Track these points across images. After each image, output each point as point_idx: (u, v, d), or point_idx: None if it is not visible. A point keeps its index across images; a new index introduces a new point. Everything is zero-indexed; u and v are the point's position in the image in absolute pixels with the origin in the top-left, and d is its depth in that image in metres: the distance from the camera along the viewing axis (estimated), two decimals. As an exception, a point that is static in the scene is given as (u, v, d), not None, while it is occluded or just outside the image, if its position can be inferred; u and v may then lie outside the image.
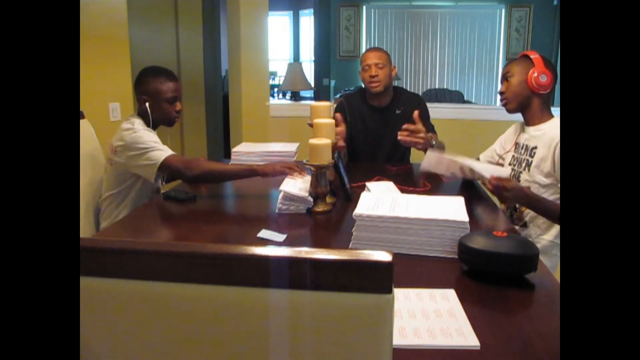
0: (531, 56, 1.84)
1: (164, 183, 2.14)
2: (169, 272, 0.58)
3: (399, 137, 2.11)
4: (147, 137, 1.90)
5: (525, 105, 1.86)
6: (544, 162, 1.77)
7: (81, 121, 2.14)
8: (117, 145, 1.92)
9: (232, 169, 1.99)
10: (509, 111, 1.91)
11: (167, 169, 1.90)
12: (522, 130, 1.95)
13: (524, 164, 1.88)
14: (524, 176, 1.87)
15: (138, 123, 1.96)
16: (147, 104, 1.98)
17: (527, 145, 1.88)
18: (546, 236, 1.82)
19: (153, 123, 2.01)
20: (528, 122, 1.90)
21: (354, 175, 2.11)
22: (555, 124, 1.82)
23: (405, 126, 2.10)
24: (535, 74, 1.80)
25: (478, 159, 2.16)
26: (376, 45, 7.05)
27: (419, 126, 2.11)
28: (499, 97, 1.93)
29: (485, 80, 7.04)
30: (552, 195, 1.76)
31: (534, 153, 1.83)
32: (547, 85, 1.81)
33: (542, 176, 1.78)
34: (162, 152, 1.88)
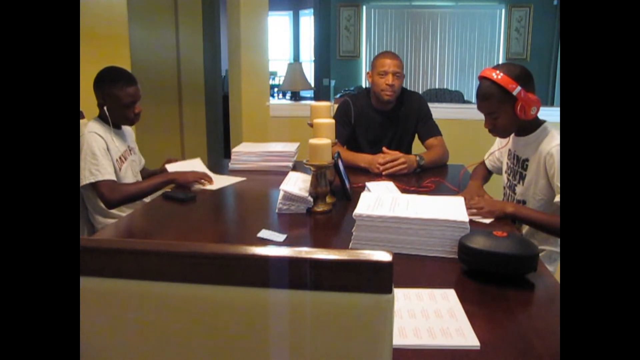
0: (513, 92, 1.64)
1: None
2: (169, 272, 0.58)
3: (383, 173, 2.23)
4: (93, 148, 1.92)
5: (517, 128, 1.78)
6: (538, 177, 1.72)
7: (81, 121, 2.14)
8: None
9: (150, 184, 1.99)
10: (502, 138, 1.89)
11: (90, 191, 1.96)
12: (513, 137, 1.86)
13: (517, 177, 1.83)
14: (518, 189, 1.82)
15: (96, 127, 1.98)
16: (105, 108, 1.99)
17: (518, 157, 1.82)
18: (547, 246, 1.81)
19: (113, 124, 2.03)
20: (517, 133, 1.82)
21: (354, 175, 2.11)
22: (543, 133, 1.73)
23: (381, 160, 2.24)
24: (526, 110, 1.65)
25: (483, 162, 2.15)
26: (376, 45, 7.11)
27: (392, 154, 2.26)
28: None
29: (485, 81, 7.03)
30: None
31: (526, 166, 1.78)
32: (537, 110, 1.68)
33: (537, 192, 1.74)
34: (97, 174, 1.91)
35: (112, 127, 2.03)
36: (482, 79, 1.73)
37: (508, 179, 1.91)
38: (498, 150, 2.03)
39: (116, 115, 2.01)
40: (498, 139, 2.04)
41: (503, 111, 1.69)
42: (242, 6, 3.78)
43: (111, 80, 1.98)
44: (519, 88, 1.64)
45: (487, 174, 2.14)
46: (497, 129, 1.75)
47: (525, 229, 1.82)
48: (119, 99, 1.97)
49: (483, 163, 2.15)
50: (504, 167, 1.95)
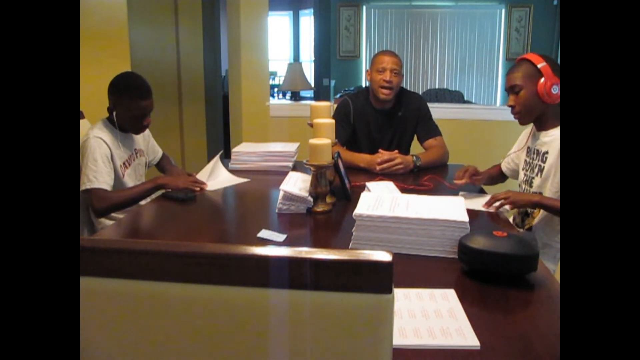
0: (538, 65, 1.73)
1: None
2: (169, 272, 0.58)
3: (379, 172, 2.25)
4: (95, 154, 1.90)
5: (538, 115, 1.81)
6: (556, 170, 1.75)
7: (81, 121, 2.14)
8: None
9: (138, 191, 1.96)
10: (523, 124, 1.87)
11: (86, 197, 1.91)
12: (534, 134, 1.89)
13: (536, 169, 1.85)
14: (536, 182, 1.84)
15: (102, 132, 1.97)
16: (114, 113, 1.99)
17: (538, 150, 1.85)
18: (550, 242, 1.81)
19: (121, 129, 2.03)
20: (539, 127, 1.85)
21: (354, 175, 2.11)
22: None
23: (379, 159, 2.26)
24: (547, 86, 1.71)
25: (499, 164, 2.15)
26: (376, 45, 7.11)
27: (389, 154, 2.28)
28: (509, 110, 1.83)
29: (485, 80, 7.03)
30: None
31: (546, 158, 1.80)
32: (559, 94, 1.72)
33: (555, 185, 1.76)
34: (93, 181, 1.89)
35: (119, 132, 2.02)
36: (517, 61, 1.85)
37: (525, 174, 1.93)
38: (515, 152, 2.04)
39: (124, 123, 2.01)
40: (516, 146, 2.05)
41: (526, 85, 1.75)
42: (242, 6, 3.78)
43: (126, 90, 1.97)
44: (544, 63, 1.73)
45: (495, 174, 2.14)
46: (519, 104, 1.79)
47: (535, 221, 1.84)
48: (130, 110, 1.96)
49: (496, 166, 2.15)
50: (521, 165, 1.97)
